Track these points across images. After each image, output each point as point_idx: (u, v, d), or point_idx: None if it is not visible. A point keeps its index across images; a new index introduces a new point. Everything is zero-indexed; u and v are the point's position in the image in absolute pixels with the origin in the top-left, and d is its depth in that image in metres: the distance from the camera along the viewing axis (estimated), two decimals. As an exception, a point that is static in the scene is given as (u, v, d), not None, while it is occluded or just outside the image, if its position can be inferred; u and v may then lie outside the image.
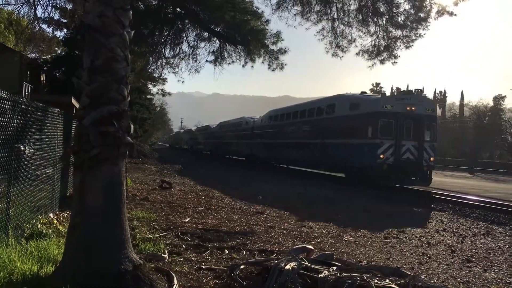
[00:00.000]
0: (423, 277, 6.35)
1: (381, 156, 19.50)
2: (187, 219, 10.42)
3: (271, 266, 5.58)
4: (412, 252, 8.43)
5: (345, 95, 24.47)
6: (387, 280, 4.86)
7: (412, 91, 22.01)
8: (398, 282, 4.77)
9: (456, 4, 10.39)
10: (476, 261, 7.93)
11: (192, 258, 6.84)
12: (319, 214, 12.21)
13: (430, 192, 19.50)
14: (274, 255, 7.20)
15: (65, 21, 16.99)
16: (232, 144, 47.57)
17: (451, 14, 10.48)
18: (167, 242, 7.88)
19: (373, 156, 19.76)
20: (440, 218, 13.10)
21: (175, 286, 5.32)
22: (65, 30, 25.58)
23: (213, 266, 6.38)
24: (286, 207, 13.23)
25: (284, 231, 9.62)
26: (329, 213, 12.56)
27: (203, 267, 6.33)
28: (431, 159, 20.43)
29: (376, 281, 4.81)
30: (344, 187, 21.03)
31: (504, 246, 9.46)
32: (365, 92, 24.82)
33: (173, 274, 5.71)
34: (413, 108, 20.10)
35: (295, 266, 5.32)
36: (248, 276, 5.78)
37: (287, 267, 5.31)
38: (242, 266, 5.96)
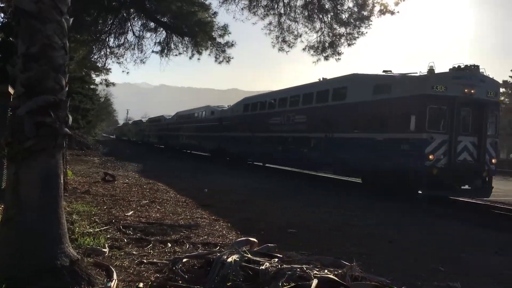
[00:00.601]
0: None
1: (430, 156, 14.52)
2: (130, 213, 10.21)
3: (213, 259, 5.59)
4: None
5: (363, 74, 19.08)
6: (326, 271, 5.00)
7: (468, 66, 15.65)
8: (336, 272, 4.90)
9: (396, 3, 10.81)
10: None
11: (134, 252, 6.72)
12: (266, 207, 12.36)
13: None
14: (218, 248, 7.20)
15: (1, 5, 16.13)
16: (193, 137, 42.35)
17: (392, 13, 10.89)
18: (108, 236, 7.68)
19: (418, 157, 14.78)
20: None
21: (114, 281, 5.21)
22: (1, 15, 24.23)
23: (155, 260, 6.29)
24: (233, 200, 13.28)
25: (229, 224, 9.65)
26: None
27: (145, 261, 6.23)
28: (493, 160, 15.67)
29: (315, 271, 4.93)
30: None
31: None
32: (389, 71, 18.05)
33: (113, 269, 5.58)
34: (472, 91, 15.00)
35: (237, 259, 5.35)
36: (191, 269, 5.75)
37: (229, 259, 5.34)
38: (184, 260, 5.92)
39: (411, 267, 7.19)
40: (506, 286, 6.64)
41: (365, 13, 11.23)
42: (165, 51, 15.70)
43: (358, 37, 11.91)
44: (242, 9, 12.29)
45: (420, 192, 15.53)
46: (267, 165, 30.16)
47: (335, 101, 19.81)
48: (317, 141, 20.76)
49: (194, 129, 42.27)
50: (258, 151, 27.64)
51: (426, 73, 15.53)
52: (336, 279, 4.48)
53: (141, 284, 5.19)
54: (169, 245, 7.35)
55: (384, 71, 17.92)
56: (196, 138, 41.43)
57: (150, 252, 6.86)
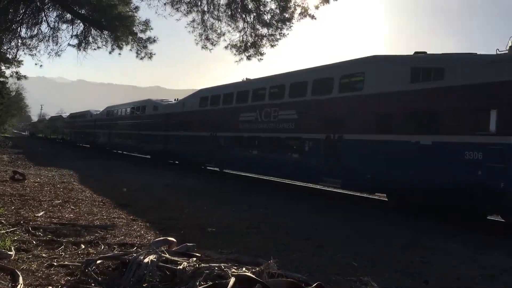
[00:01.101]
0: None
1: None
2: (41, 213, 9.64)
3: (129, 260, 5.42)
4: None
5: (389, 56, 14.74)
6: (244, 269, 5.03)
7: None
8: (254, 270, 4.95)
9: (317, 7, 11.19)
10: None
11: (43, 255, 6.34)
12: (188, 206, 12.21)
13: None
14: (135, 248, 7.00)
15: None
16: (129, 136, 36.92)
17: (312, 17, 11.27)
18: (15, 238, 7.18)
19: (498, 171, 10.52)
20: None
21: (20, 285, 4.88)
22: None
23: (66, 262, 5.98)
24: (153, 199, 12.99)
25: (148, 224, 9.42)
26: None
27: (55, 263, 5.90)
28: None
29: (233, 270, 4.94)
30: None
31: None
32: (423, 52, 13.72)
33: (19, 273, 5.23)
34: None
35: (154, 259, 5.24)
36: (105, 271, 5.53)
37: (146, 260, 5.21)
38: (98, 261, 5.67)
39: (328, 263, 7.43)
40: None
41: (287, 15, 11.51)
42: (83, 44, 15.06)
43: (280, 39, 12.21)
44: (164, 4, 12.10)
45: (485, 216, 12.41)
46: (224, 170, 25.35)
47: (345, 92, 15.39)
48: (315, 144, 16.32)
49: (130, 126, 36.81)
50: (223, 155, 22.42)
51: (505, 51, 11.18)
52: (253, 276, 4.51)
53: (49, 288, 4.91)
54: (83, 246, 7.03)
55: (415, 53, 13.74)
56: (133, 137, 35.94)
57: (62, 254, 6.52)
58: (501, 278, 7.12)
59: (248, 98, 20.89)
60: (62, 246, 6.91)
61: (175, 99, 32.81)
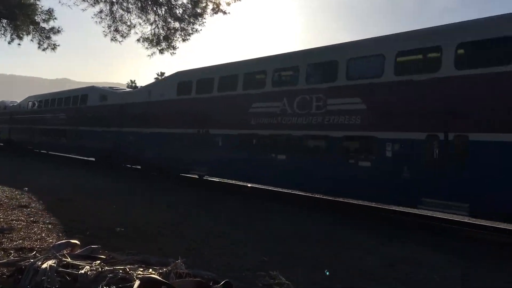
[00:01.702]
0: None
1: None
2: None
3: (26, 266, 5.08)
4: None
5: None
6: (151, 270, 4.91)
7: None
8: (161, 271, 4.85)
9: (228, 4, 11.25)
10: None
11: None
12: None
13: None
14: (34, 253, 6.54)
15: None
16: (64, 133, 29.38)
17: (225, 12, 11.29)
18: None
19: None
20: None
21: None
22: None
23: (-48, 272, 5.45)
24: (57, 199, 12.26)
25: (50, 226, 8.88)
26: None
27: None
28: None
29: (139, 271, 4.81)
30: None
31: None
32: None
33: None
34: None
35: (54, 264, 4.96)
36: (-2, 279, 5.13)
37: (44, 265, 4.92)
38: (-10, 269, 5.26)
39: (240, 261, 7.49)
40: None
41: (199, 10, 11.40)
42: (-23, 32, 13.76)
43: (192, 33, 12.04)
44: (69, -7, 11.35)
45: None
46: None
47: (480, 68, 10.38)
48: (406, 148, 11.46)
49: (64, 121, 29.64)
50: (221, 159, 16.76)
51: None
52: (159, 278, 4.42)
53: None
54: (-27, 253, 6.46)
55: None
56: (69, 134, 28.83)
57: None
58: (399, 266, 7.65)
59: (265, 82, 15.15)
60: (-51, 254, 6.30)
61: (130, 87, 27.92)
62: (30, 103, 35.98)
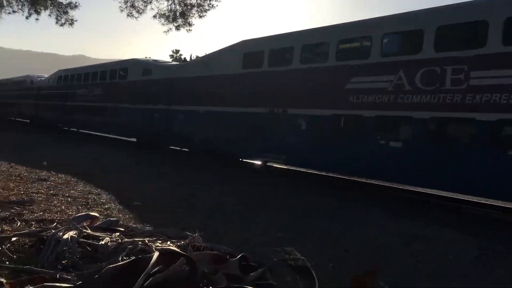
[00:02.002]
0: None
1: None
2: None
3: (47, 237, 5.19)
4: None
5: None
6: (169, 242, 5.00)
7: None
8: (179, 244, 4.93)
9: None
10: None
11: (-49, 234, 5.90)
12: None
13: None
14: (54, 224, 6.69)
15: None
16: (102, 110, 26.43)
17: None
18: None
19: None
20: None
21: None
22: None
23: (-23, 241, 5.61)
24: (75, 173, 12.46)
25: (69, 199, 9.05)
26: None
27: (-36, 242, 5.52)
28: None
29: (157, 244, 4.90)
30: None
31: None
32: None
33: None
34: None
35: (75, 235, 5.06)
36: (21, 249, 5.26)
37: (66, 236, 5.03)
38: (13, 239, 5.39)
39: (253, 235, 7.58)
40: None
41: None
42: (-4, 7, 13.85)
43: (208, 9, 11.98)
44: (87, -33, 11.36)
45: None
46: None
47: None
48: None
49: (102, 97, 26.69)
50: (305, 144, 13.88)
51: None
52: (177, 250, 4.49)
53: (-43, 269, 4.59)
54: (-4, 223, 6.62)
55: None
56: (107, 111, 26.07)
57: (-29, 232, 6.09)
58: (414, 244, 7.65)
59: (370, 50, 12.20)
60: (-27, 224, 6.46)
61: (176, 60, 24.18)
62: (61, 78, 33.11)
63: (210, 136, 17.48)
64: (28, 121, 39.39)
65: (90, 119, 28.11)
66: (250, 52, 16.17)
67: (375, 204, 10.95)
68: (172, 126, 20.00)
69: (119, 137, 26.19)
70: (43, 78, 38.01)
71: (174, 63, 24.93)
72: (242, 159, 17.55)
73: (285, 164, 15.52)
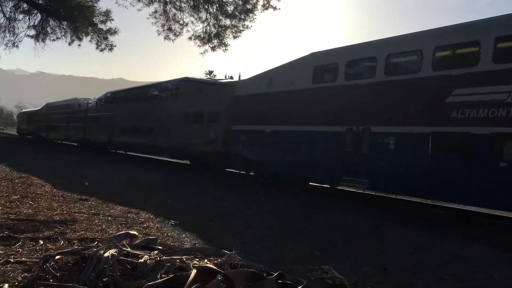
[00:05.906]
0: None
1: None
2: (-3, 209, 9.33)
3: (89, 255, 5.33)
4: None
5: None
6: (206, 260, 5.04)
7: None
8: (216, 262, 4.97)
9: (279, -1, 11.30)
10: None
11: (-1, 252, 6.14)
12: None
13: None
14: (95, 243, 6.87)
15: None
16: (153, 132, 25.41)
17: (275, 8, 11.37)
18: (-31, 235, 6.93)
19: None
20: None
21: (-27, 283, 4.73)
22: None
23: (23, 259, 5.81)
24: (114, 193, 12.79)
25: (109, 218, 9.28)
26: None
27: (12, 260, 5.72)
28: None
29: (195, 262, 4.95)
30: None
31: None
32: None
33: (-27, 270, 5.06)
34: None
35: (115, 253, 5.17)
36: (64, 266, 5.41)
37: (106, 254, 5.13)
38: (57, 257, 5.55)
39: (289, 253, 7.54)
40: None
41: (249, 7, 11.52)
42: (41, 35, 14.59)
43: (243, 30, 12.21)
44: (125, -6, 11.83)
45: None
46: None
47: None
48: None
49: (153, 118, 25.15)
50: (396, 167, 11.79)
51: None
52: (214, 268, 4.53)
53: (6, 285, 4.77)
54: (41, 242, 6.83)
55: None
56: (158, 133, 24.65)
57: (19, 250, 6.32)
58: (454, 263, 7.41)
59: (479, 57, 10.22)
60: (19, 242, 6.69)
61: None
62: (109, 99, 32.74)
63: (274, 158, 15.89)
64: (76, 144, 39.38)
65: (141, 140, 26.94)
66: (322, 65, 14.50)
67: (412, 222, 10.71)
68: (231, 147, 18.33)
69: (168, 159, 25.21)
70: (90, 101, 37.84)
71: (228, 80, 24.27)
72: (310, 183, 16.00)
73: (370, 189, 13.80)
